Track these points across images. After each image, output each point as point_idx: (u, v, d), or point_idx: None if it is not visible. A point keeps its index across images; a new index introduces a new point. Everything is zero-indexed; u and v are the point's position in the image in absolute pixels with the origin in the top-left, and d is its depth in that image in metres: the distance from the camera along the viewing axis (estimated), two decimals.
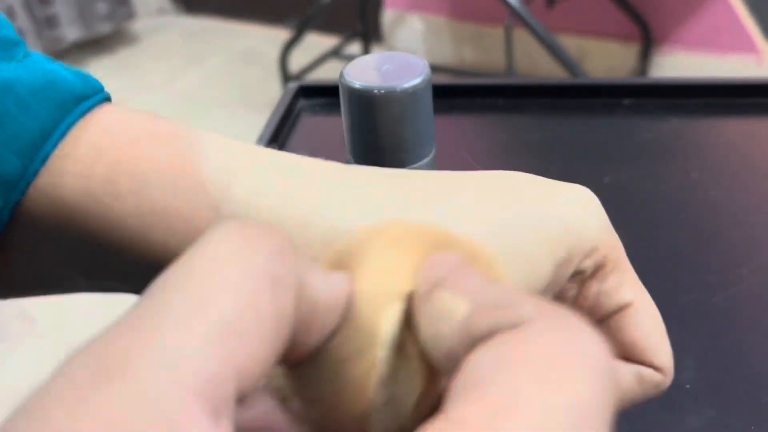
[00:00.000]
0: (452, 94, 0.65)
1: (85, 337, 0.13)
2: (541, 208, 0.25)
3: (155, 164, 0.25)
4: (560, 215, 0.25)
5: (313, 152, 0.61)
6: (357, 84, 0.31)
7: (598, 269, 0.26)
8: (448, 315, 0.15)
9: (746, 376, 0.39)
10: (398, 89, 0.31)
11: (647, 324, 0.27)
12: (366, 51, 2.24)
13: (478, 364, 0.13)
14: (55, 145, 0.26)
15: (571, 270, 0.25)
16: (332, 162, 0.27)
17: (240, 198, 0.25)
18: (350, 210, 0.24)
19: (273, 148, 0.70)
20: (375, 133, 0.32)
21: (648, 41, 1.97)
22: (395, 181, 0.25)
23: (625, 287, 0.26)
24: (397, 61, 0.32)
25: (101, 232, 0.25)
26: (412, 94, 0.31)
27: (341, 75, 0.32)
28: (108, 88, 0.28)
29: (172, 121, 0.27)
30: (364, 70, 0.32)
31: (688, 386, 0.39)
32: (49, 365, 0.13)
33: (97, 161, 0.25)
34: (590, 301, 0.26)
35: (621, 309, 0.26)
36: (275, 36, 2.44)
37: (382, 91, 0.31)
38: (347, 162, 0.36)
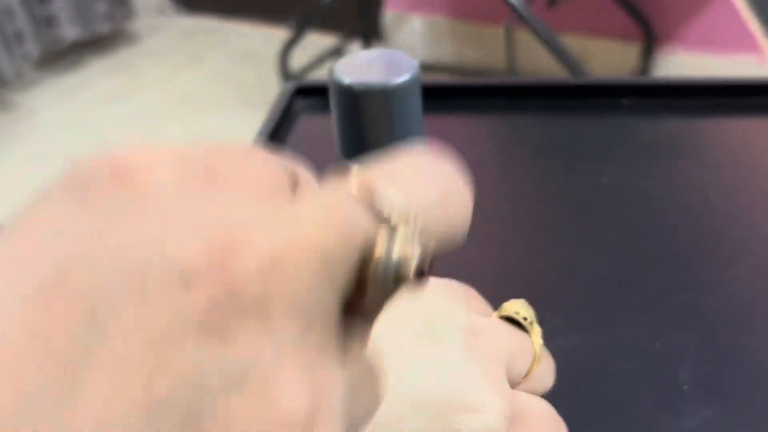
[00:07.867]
0: (452, 95, 0.64)
1: None
2: None
3: None
4: None
5: (310, 151, 0.60)
6: (344, 80, 0.31)
7: None
8: None
9: (743, 377, 0.39)
10: (381, 86, 0.31)
11: None
12: None
13: None
14: None
15: None
16: None
17: None
18: None
19: (270, 147, 0.70)
20: (360, 130, 0.32)
21: (650, 41, 1.97)
22: None
23: None
24: (388, 58, 0.33)
25: None
26: (396, 91, 0.31)
27: (331, 71, 0.32)
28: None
29: None
30: (354, 67, 0.32)
31: (685, 387, 0.38)
32: None
33: None
34: None
35: None
36: (275, 35, 2.43)
37: (364, 87, 0.31)
38: (336, 159, 0.35)
